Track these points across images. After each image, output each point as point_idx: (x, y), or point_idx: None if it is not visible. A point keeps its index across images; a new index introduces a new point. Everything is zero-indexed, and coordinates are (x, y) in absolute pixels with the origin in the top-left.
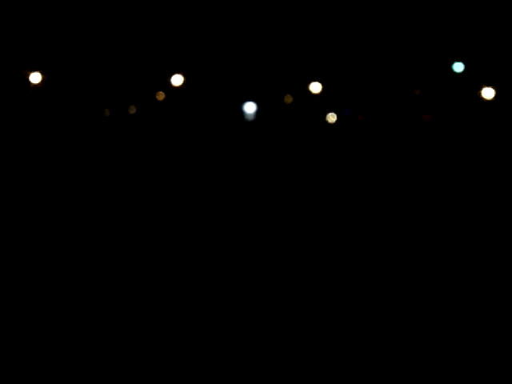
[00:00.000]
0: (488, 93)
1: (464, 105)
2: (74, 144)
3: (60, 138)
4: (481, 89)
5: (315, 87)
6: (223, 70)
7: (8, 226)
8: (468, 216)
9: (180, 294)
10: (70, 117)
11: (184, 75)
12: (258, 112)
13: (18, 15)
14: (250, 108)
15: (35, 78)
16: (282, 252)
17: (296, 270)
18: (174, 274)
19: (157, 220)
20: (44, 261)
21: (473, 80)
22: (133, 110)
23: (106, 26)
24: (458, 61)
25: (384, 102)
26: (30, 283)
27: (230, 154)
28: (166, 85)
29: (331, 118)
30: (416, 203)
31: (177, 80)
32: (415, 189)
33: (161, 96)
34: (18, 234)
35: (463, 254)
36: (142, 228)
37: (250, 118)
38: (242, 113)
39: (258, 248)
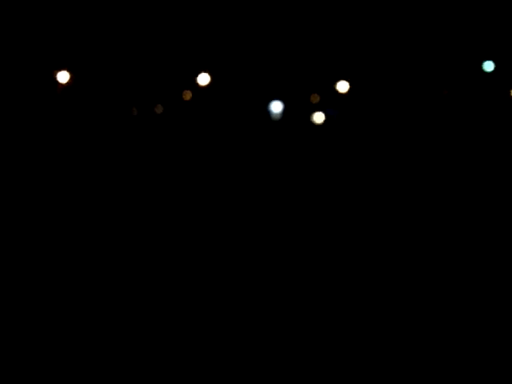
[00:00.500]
0: None
1: (495, 105)
2: (103, 142)
3: (88, 137)
4: None
5: (342, 86)
6: (249, 69)
7: (31, 224)
8: (489, 219)
9: (182, 292)
10: (98, 116)
11: (210, 74)
12: (284, 111)
13: (46, 14)
14: (276, 107)
15: (63, 77)
16: (295, 250)
17: (297, 268)
18: (184, 273)
19: (182, 217)
20: (55, 259)
21: (504, 79)
22: (160, 109)
23: (133, 26)
24: (488, 59)
25: (412, 102)
26: (30, 282)
27: (256, 153)
28: (193, 84)
29: (318, 118)
30: (440, 204)
31: (203, 79)
32: (440, 189)
33: (187, 95)
34: (38, 230)
35: (475, 260)
36: (166, 225)
37: (277, 118)
38: (268, 112)
39: (274, 244)
